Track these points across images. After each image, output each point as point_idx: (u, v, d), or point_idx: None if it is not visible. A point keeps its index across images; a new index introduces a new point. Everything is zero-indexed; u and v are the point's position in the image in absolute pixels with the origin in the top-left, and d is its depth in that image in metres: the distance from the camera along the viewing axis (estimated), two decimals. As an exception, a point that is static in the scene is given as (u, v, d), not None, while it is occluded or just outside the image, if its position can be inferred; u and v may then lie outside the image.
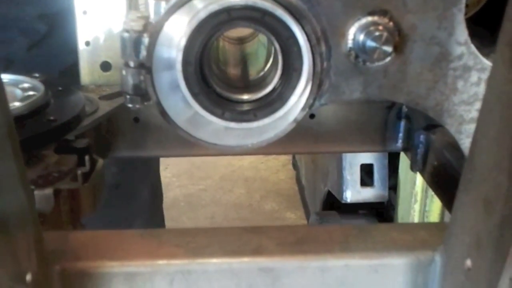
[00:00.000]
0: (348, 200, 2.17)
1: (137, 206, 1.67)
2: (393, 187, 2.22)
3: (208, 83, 0.64)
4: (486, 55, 0.67)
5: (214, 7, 0.58)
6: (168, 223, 3.21)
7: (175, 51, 0.60)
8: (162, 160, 2.11)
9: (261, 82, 0.67)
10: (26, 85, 0.76)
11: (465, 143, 0.68)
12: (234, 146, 0.66)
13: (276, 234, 0.59)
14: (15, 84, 0.76)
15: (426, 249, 0.58)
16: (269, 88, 0.65)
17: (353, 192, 2.18)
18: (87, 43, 1.08)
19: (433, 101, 0.67)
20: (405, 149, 1.02)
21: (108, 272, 0.57)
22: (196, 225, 3.20)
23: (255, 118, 0.64)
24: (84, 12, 1.08)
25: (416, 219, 1.96)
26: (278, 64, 0.64)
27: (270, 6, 0.59)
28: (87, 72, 1.09)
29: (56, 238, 0.59)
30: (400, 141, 1.02)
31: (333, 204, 2.33)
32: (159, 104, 0.64)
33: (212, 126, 0.64)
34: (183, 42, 0.59)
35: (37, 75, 0.89)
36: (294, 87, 0.63)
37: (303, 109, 0.64)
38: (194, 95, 0.62)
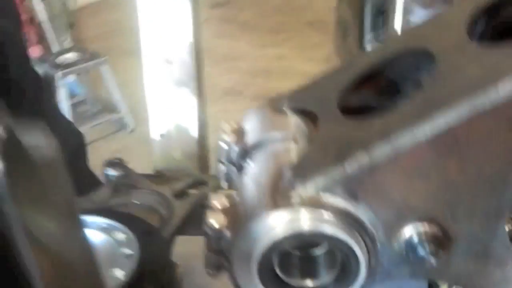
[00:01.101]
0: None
1: None
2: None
3: (280, 278, 0.75)
4: None
5: (279, 236, 0.68)
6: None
7: (251, 255, 0.71)
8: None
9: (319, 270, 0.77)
10: (118, 234, 0.84)
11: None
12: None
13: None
14: (109, 231, 0.85)
15: None
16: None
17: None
18: (162, 136, 1.19)
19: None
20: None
21: None
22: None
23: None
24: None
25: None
26: (335, 267, 0.74)
27: (340, 233, 0.68)
28: (159, 159, 1.21)
29: None
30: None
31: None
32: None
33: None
34: (254, 267, 0.70)
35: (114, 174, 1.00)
36: (351, 283, 0.73)
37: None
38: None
